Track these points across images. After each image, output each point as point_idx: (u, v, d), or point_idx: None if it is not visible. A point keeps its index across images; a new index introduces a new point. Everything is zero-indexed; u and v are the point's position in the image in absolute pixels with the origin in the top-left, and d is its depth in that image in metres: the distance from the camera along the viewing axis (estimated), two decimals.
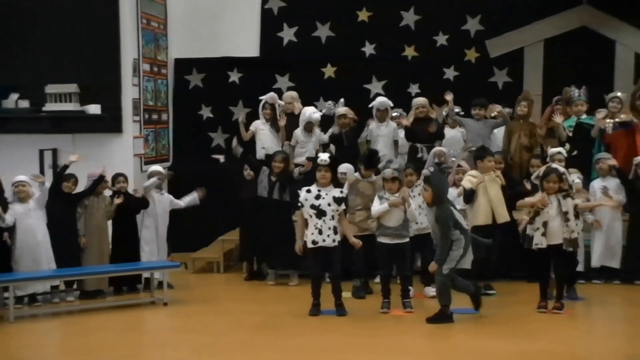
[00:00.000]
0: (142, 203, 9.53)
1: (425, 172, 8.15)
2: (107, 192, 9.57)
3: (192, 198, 9.99)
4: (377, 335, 7.50)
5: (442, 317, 7.86)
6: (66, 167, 9.27)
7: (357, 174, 9.13)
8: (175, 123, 12.75)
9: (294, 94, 11.38)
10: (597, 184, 9.71)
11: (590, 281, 9.57)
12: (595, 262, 9.71)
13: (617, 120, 10.32)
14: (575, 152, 9.42)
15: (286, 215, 9.73)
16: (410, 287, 8.41)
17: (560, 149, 9.22)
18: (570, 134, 10.48)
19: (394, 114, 11.01)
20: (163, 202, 9.74)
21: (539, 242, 8.02)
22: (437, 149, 9.92)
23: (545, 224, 8.00)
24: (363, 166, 9.00)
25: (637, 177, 9.63)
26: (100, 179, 9.29)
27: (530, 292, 8.56)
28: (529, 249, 8.17)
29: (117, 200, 9.40)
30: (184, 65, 12.79)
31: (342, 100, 11.09)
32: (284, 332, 7.66)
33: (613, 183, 9.68)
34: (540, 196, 8.06)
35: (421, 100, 10.87)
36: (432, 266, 7.84)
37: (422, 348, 7.12)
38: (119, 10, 10.93)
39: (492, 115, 10.70)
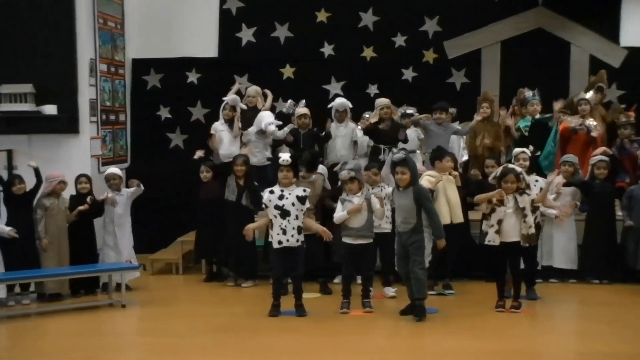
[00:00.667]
0: (98, 210, 9.46)
1: (398, 155, 8.12)
2: (67, 194, 9.45)
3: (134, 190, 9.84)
4: (337, 335, 7.49)
5: (423, 310, 7.91)
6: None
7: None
8: (133, 124, 12.61)
9: (257, 88, 11.39)
10: (558, 180, 9.73)
11: (547, 280, 9.64)
12: (553, 263, 9.78)
13: (586, 122, 10.43)
14: (538, 153, 9.47)
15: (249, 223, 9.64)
16: (371, 288, 8.41)
17: (524, 149, 9.26)
18: (527, 134, 10.56)
19: (366, 115, 11.02)
20: (121, 202, 9.61)
21: (492, 239, 8.07)
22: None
23: (499, 222, 8.04)
24: (305, 169, 8.98)
25: (593, 177, 9.75)
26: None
27: (488, 292, 8.59)
28: (484, 246, 8.20)
29: (82, 208, 9.27)
30: (141, 66, 12.66)
31: (303, 101, 11.07)
32: (244, 333, 7.61)
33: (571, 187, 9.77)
34: (496, 191, 8.10)
35: (385, 100, 10.79)
36: (441, 242, 7.99)
37: (382, 348, 7.11)
38: (75, 10, 10.74)
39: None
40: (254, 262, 9.73)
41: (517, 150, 9.32)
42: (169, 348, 7.18)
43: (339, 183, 8.84)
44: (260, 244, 9.49)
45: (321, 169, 9.67)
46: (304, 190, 8.15)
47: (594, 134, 10.41)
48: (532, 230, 8.08)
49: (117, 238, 9.52)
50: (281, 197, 8.04)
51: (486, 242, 8.11)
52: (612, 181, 9.95)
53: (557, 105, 10.56)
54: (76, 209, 9.30)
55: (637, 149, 10.30)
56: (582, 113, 10.55)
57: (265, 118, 10.62)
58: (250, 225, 8.32)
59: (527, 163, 8.96)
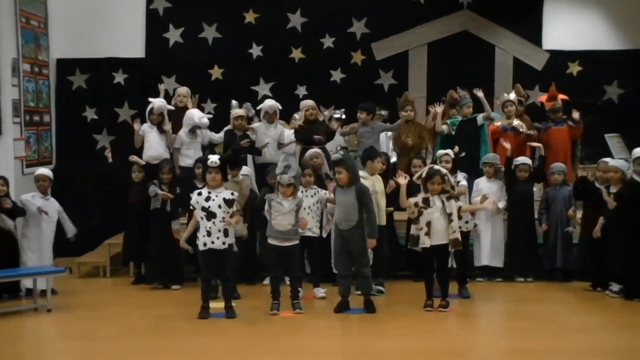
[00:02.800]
0: (19, 211, 9.20)
1: (336, 155, 8.27)
2: None
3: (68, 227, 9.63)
4: (267, 337, 7.43)
5: (372, 303, 8.09)
6: None
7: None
8: (58, 125, 12.32)
9: (188, 89, 11.23)
10: (482, 184, 9.88)
11: (474, 280, 9.73)
12: (481, 261, 9.89)
13: (511, 123, 10.58)
14: (463, 154, 9.57)
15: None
16: (299, 289, 8.38)
17: (448, 150, 9.34)
18: (453, 132, 10.66)
19: (295, 117, 11.00)
20: (48, 208, 9.35)
21: (424, 242, 8.10)
22: (313, 150, 9.88)
23: (429, 224, 8.10)
24: (229, 167, 8.88)
25: (515, 178, 9.89)
26: None
27: (416, 291, 8.66)
28: (413, 249, 8.24)
29: (6, 205, 9.01)
30: (66, 66, 12.39)
31: (234, 102, 10.96)
32: (172, 335, 7.50)
33: (496, 186, 9.88)
34: (419, 202, 8.13)
35: (309, 102, 10.85)
36: (372, 242, 8.08)
37: (312, 349, 7.07)
38: None
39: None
40: (180, 266, 9.66)
41: (440, 152, 9.40)
42: (94, 352, 7.01)
43: (276, 184, 8.66)
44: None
45: (247, 170, 9.58)
46: (232, 194, 8.06)
47: (521, 129, 10.55)
48: (457, 235, 8.13)
49: (40, 241, 9.26)
50: (208, 199, 7.95)
51: (420, 246, 8.12)
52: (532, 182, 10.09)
53: (480, 92, 10.65)
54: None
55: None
56: (508, 114, 10.70)
57: (196, 113, 10.53)
58: (183, 237, 8.29)
59: (450, 165, 9.03)
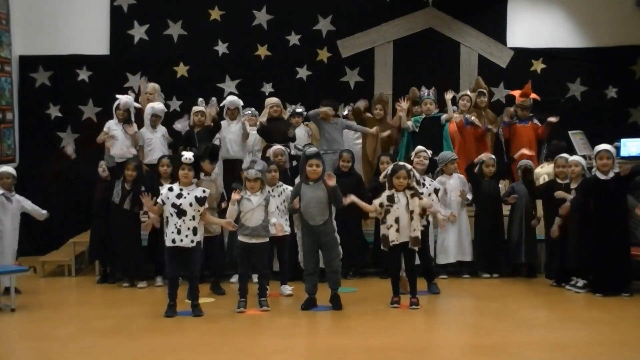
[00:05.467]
0: None
1: (312, 149, 8.24)
2: None
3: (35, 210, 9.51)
4: (233, 335, 7.39)
5: (339, 298, 8.14)
6: None
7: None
8: (21, 122, 12.18)
9: (156, 85, 11.19)
10: (442, 181, 9.87)
11: (439, 276, 9.73)
12: (449, 258, 9.93)
13: (468, 117, 10.65)
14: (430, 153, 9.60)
15: (136, 226, 9.46)
16: (267, 286, 8.35)
17: (424, 148, 9.34)
18: (417, 129, 10.68)
19: (247, 112, 10.94)
20: (12, 206, 9.24)
21: (395, 238, 8.08)
22: (276, 147, 9.84)
23: (397, 220, 8.09)
24: (208, 161, 8.82)
25: (481, 173, 9.95)
26: None
27: (381, 288, 8.70)
28: (385, 248, 8.18)
29: None
30: (29, 63, 12.26)
31: (213, 99, 10.85)
32: (136, 334, 7.43)
33: (457, 181, 9.94)
34: (383, 202, 8.13)
35: (274, 99, 10.88)
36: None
37: (278, 346, 7.04)
38: None
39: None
40: (143, 263, 9.62)
41: (419, 147, 9.39)
42: (56, 352, 6.90)
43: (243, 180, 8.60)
44: None
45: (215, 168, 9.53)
46: (204, 191, 8.00)
47: (474, 120, 10.66)
48: (417, 234, 8.12)
49: (2, 240, 9.13)
50: (179, 196, 7.89)
51: (391, 244, 8.09)
52: (497, 179, 10.19)
53: (449, 94, 10.71)
54: None
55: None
56: (463, 108, 10.80)
57: (151, 104, 10.51)
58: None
59: (427, 162, 9.03)
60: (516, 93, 11.14)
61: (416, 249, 8.25)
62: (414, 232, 8.09)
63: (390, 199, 8.11)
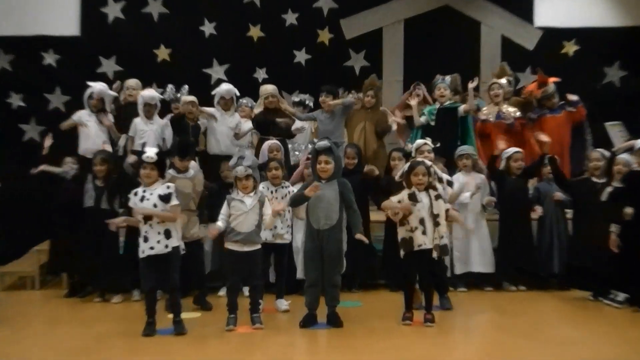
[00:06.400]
0: None
1: (323, 143, 8.07)
2: None
3: None
4: (220, 356, 7.32)
5: (337, 316, 8.06)
6: None
7: (172, 170, 8.85)
8: None
9: (138, 81, 11.14)
10: (461, 179, 9.89)
11: (456, 289, 9.76)
12: (468, 267, 9.93)
13: (502, 109, 10.58)
14: (438, 144, 9.51)
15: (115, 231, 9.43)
16: (260, 300, 8.30)
17: (427, 140, 9.27)
18: (433, 123, 10.62)
19: (244, 102, 10.95)
20: None
21: (422, 242, 7.97)
22: (271, 142, 9.79)
23: (422, 221, 7.98)
24: (177, 157, 8.78)
25: (507, 171, 9.88)
26: None
27: (393, 302, 8.70)
28: (406, 252, 8.07)
29: None
30: None
31: (185, 86, 10.92)
32: (110, 356, 7.36)
33: (477, 179, 9.94)
34: (403, 200, 8.05)
35: (270, 88, 10.85)
36: (361, 236, 7.92)
37: None
38: None
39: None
40: (121, 274, 9.54)
41: (419, 141, 9.32)
42: None
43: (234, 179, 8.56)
44: None
45: (193, 164, 9.43)
46: (167, 187, 7.92)
47: (508, 121, 10.59)
48: (445, 241, 8.08)
49: None
50: (142, 199, 7.85)
51: (418, 248, 7.99)
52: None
53: (472, 84, 10.64)
54: None
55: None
56: (496, 100, 10.70)
57: (146, 91, 10.55)
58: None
59: (432, 156, 8.98)
60: (532, 87, 11.11)
61: (443, 258, 8.21)
62: (442, 240, 8.01)
63: (413, 197, 8.04)
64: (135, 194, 7.92)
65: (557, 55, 12.42)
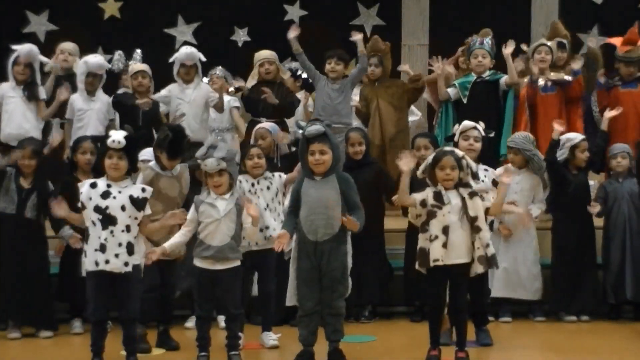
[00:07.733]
0: None
1: (315, 127, 7.92)
2: None
3: None
4: None
5: (341, 355, 7.95)
6: None
7: (153, 164, 8.77)
8: None
9: (76, 46, 11.21)
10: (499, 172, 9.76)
11: (499, 319, 9.71)
12: (514, 292, 9.84)
13: (550, 78, 10.58)
14: (492, 134, 9.48)
15: (42, 246, 9.42)
16: (240, 334, 8.23)
17: (480, 124, 9.14)
18: (465, 100, 10.59)
19: (217, 73, 10.99)
20: None
21: (439, 256, 7.81)
22: (260, 126, 9.85)
23: (446, 230, 7.87)
24: (165, 153, 8.65)
25: (567, 162, 9.77)
26: None
27: (415, 335, 8.80)
28: (422, 269, 7.98)
29: None
30: None
31: (138, 51, 10.91)
32: None
33: (530, 181, 9.84)
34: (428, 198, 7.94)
35: (267, 53, 10.91)
36: (350, 219, 7.79)
37: None
38: None
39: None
40: (50, 303, 9.47)
41: (467, 123, 9.19)
42: None
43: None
44: None
45: (149, 154, 9.25)
46: (143, 190, 7.80)
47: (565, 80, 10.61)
48: (492, 251, 7.94)
49: None
50: (106, 195, 7.66)
51: (432, 265, 7.87)
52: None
53: (508, 48, 10.60)
54: None
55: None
56: (541, 65, 10.66)
57: (86, 57, 10.54)
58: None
59: (479, 145, 8.91)
60: (616, 41, 11.05)
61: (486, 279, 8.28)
62: (487, 249, 7.87)
63: (438, 197, 7.88)
64: (93, 185, 7.70)
65: (633, 8, 12.32)
